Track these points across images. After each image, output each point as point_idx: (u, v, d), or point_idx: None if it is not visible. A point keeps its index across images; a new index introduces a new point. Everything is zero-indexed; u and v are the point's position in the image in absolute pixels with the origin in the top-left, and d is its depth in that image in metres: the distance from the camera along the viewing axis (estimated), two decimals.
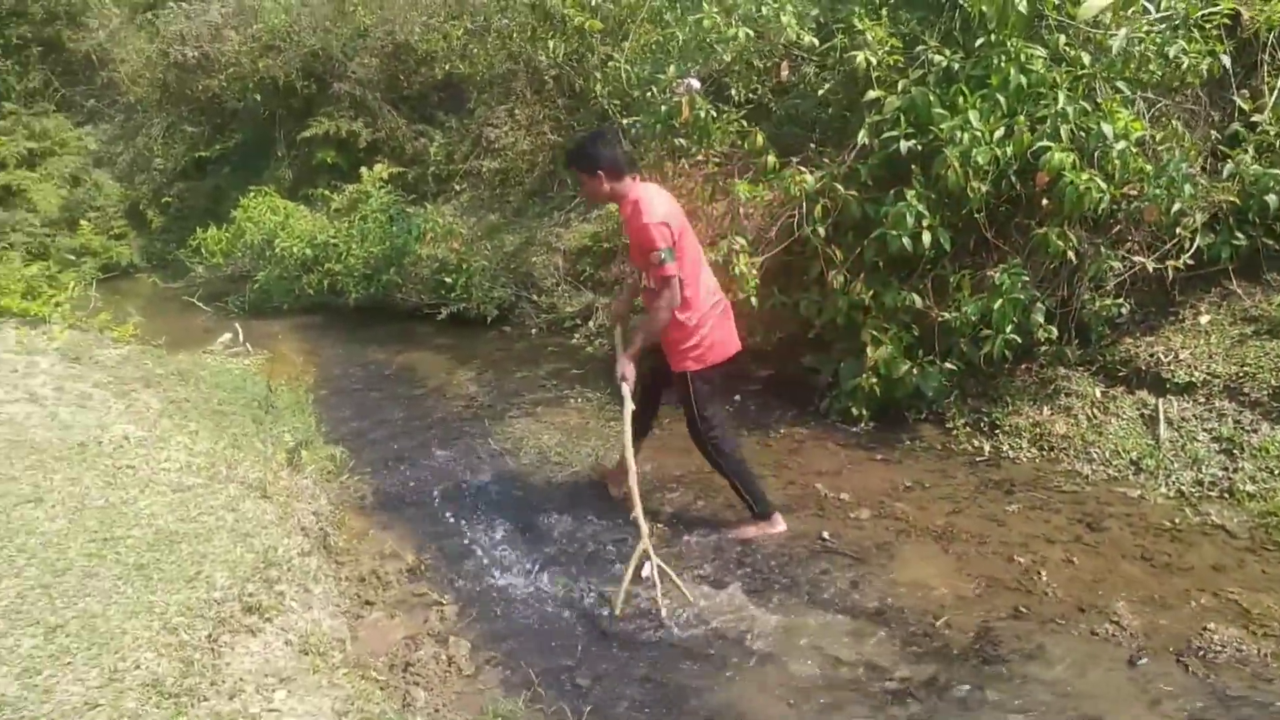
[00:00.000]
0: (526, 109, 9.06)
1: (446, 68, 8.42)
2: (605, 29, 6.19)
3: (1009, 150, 4.43)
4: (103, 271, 10.55)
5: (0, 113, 12.47)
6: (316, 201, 10.16)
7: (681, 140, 5.02)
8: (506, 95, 9.22)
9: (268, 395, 5.74)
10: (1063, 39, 4.61)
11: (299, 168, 10.51)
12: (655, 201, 3.73)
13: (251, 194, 9.56)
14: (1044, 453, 4.71)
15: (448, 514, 4.52)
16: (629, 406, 3.88)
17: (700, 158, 5.42)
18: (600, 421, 5.59)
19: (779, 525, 4.10)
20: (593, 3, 6.02)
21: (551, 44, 6.27)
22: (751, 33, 4.70)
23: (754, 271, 4.88)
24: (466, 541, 4.23)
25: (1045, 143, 4.41)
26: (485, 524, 4.38)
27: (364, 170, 9.21)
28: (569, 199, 8.53)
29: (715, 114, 4.78)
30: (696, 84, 4.72)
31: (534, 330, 7.67)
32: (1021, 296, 4.56)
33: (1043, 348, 4.99)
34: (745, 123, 5.20)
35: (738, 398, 5.73)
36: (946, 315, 4.69)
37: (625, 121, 5.26)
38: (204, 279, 9.56)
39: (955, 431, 4.95)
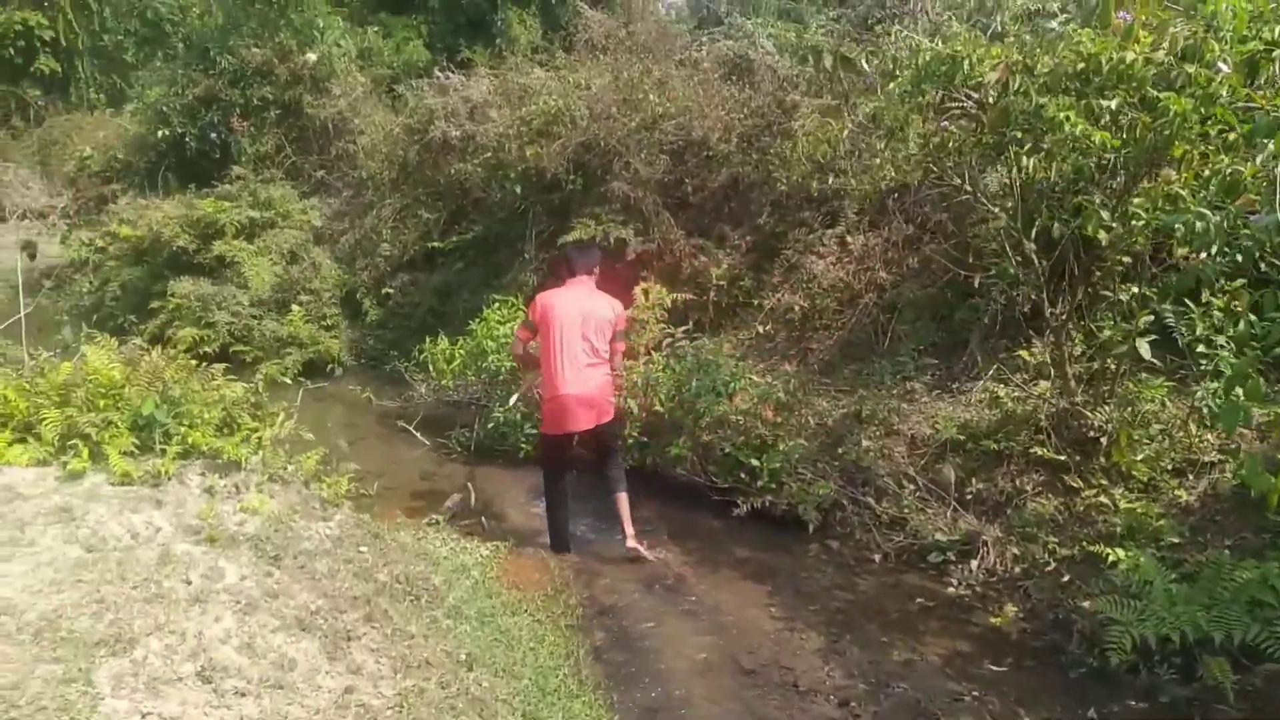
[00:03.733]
0: (861, 236, 6.97)
1: (829, 180, 6.30)
2: (1110, 148, 3.96)
3: None
4: (307, 374, 9.01)
5: (229, 176, 11.53)
6: None
7: None
8: (833, 219, 7.18)
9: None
10: None
11: (544, 274, 8.74)
12: (554, 292, 5.28)
13: (496, 304, 7.80)
14: None
15: None
16: None
17: None
18: None
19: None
20: (1110, 105, 3.83)
21: (1029, 163, 4.07)
22: None
23: None
24: None
25: None
26: None
27: (640, 290, 7.28)
28: (917, 363, 6.27)
29: None
30: None
31: (876, 556, 5.33)
32: None
33: None
34: None
35: None
36: None
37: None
38: (424, 400, 7.78)
39: None
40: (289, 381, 6.66)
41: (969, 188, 4.95)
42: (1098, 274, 5.01)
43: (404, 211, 10.36)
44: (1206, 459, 4.87)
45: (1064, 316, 5.25)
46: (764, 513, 5.69)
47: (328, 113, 12.21)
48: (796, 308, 7.06)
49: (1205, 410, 4.74)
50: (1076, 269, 5.10)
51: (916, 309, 6.64)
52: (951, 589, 4.92)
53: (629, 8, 12.55)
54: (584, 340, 5.05)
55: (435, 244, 9.74)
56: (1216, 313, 4.52)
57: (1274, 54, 3.85)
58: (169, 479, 4.54)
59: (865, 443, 5.94)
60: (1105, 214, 4.04)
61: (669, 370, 6.05)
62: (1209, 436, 4.94)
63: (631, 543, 5.19)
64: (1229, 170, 3.55)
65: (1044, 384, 5.66)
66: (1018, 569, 4.92)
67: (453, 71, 10.35)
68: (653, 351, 6.90)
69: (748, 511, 5.64)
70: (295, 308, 9.75)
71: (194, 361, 5.64)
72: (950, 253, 6.03)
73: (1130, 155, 3.95)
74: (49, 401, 4.49)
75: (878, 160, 5.04)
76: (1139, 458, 4.92)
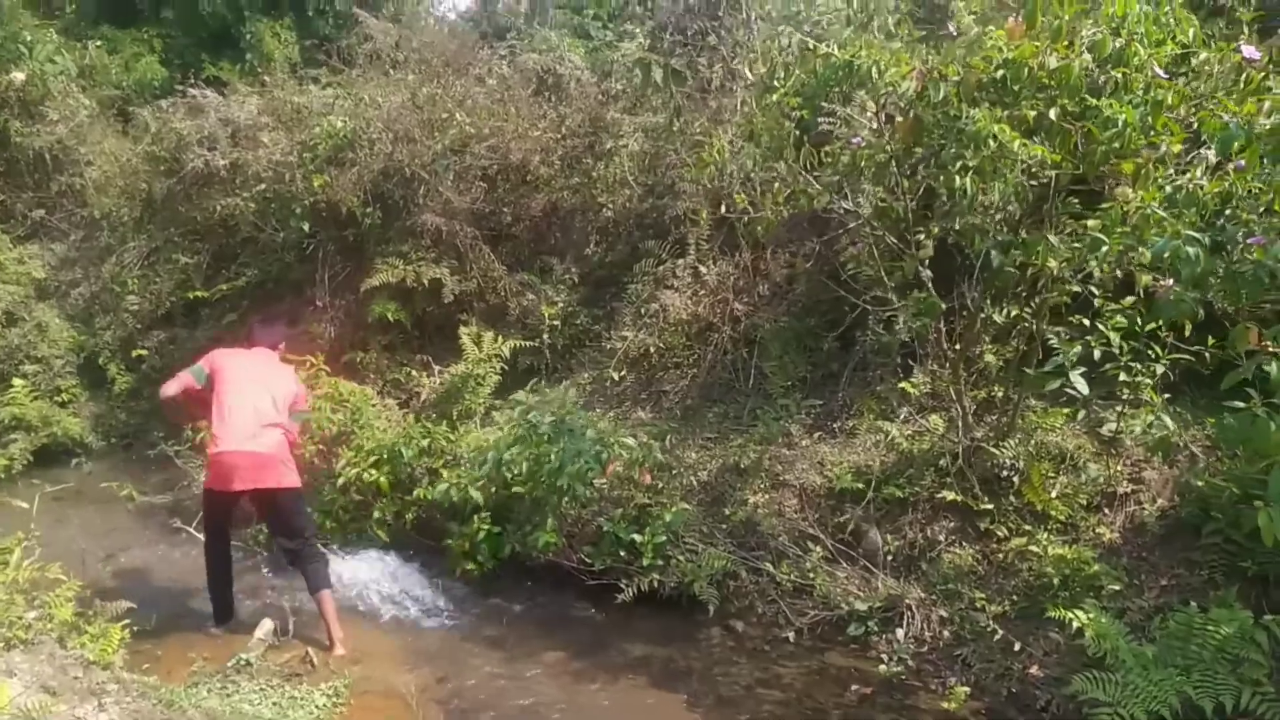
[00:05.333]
0: (713, 265, 6.36)
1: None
2: (1051, 163, 3.50)
3: None
4: (40, 466, 7.21)
5: None
6: (367, 372, 7.20)
7: None
8: (681, 248, 6.53)
9: None
10: None
11: (342, 323, 7.49)
12: (234, 351, 5.04)
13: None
14: None
15: None
16: None
17: None
18: None
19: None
20: (1050, 114, 3.37)
21: (964, 182, 3.51)
22: None
23: None
24: None
25: None
26: None
27: (465, 335, 6.27)
28: (797, 403, 5.71)
29: None
30: None
31: (789, 633, 4.66)
32: None
33: None
34: None
35: None
36: None
37: None
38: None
39: None
40: (18, 504, 5.00)
41: (863, 211, 4.41)
42: (989, 300, 4.62)
43: (154, 256, 8.66)
44: (1121, 490, 4.60)
45: (958, 346, 4.84)
46: (650, 595, 4.88)
47: (44, 141, 10.10)
48: (652, 348, 6.31)
49: (1129, 441, 4.48)
50: (969, 296, 4.69)
51: (781, 342, 6.08)
52: (883, 666, 4.32)
53: (399, 16, 11.46)
54: (263, 398, 4.74)
55: (198, 293, 8.15)
56: (1113, 333, 4.24)
57: (1201, 56, 3.54)
58: None
59: (751, 499, 5.29)
60: (1054, 239, 3.59)
61: (523, 440, 5.06)
62: (1118, 466, 4.68)
63: (340, 650, 4.62)
64: (1192, 185, 3.15)
65: (934, 418, 5.26)
66: (947, 633, 4.43)
67: (205, 90, 8.77)
68: (492, 412, 5.92)
69: (633, 596, 4.82)
70: (18, 381, 7.87)
71: None
72: (843, 281, 5.44)
73: (1076, 171, 3.53)
74: None
75: (776, 184, 4.38)
76: (1053, 495, 4.58)
